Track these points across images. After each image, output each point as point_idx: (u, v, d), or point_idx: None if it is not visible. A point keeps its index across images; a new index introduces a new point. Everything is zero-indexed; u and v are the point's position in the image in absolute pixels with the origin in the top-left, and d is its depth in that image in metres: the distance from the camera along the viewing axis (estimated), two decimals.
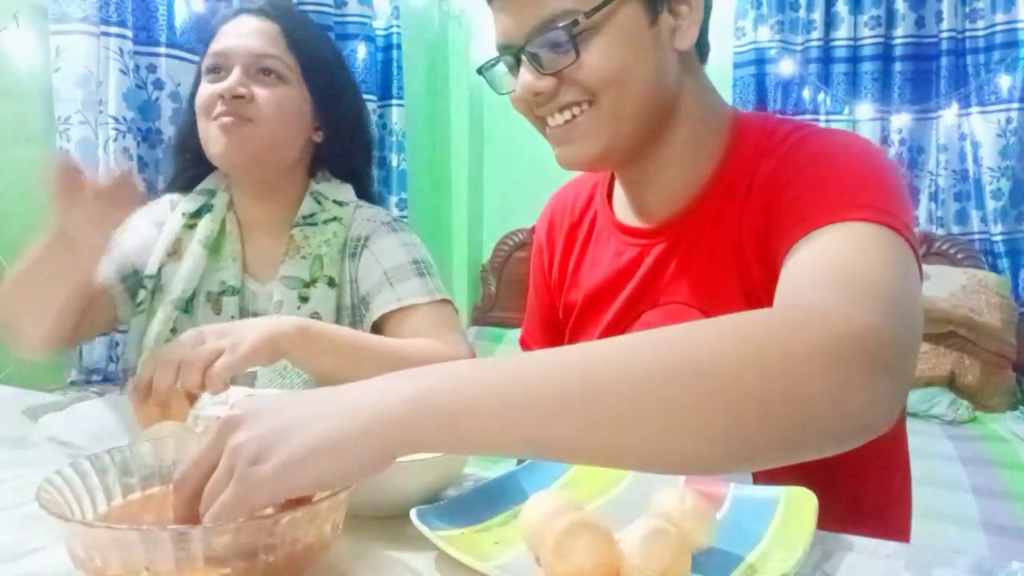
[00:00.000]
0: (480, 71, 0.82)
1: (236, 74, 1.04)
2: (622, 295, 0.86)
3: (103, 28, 2.02)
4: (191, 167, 1.17)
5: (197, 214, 1.14)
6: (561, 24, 0.72)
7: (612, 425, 0.45)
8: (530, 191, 3.41)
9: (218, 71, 1.06)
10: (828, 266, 0.58)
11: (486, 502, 0.64)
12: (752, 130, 0.80)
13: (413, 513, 0.58)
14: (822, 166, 0.71)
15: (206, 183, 1.17)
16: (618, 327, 0.87)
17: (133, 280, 1.13)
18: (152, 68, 2.16)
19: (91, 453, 0.57)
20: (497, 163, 3.49)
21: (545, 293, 1.01)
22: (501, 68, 0.81)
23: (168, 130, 2.20)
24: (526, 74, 0.75)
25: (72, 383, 2.05)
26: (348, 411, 0.47)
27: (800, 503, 0.61)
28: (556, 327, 0.99)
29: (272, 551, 0.47)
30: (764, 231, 0.74)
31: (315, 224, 1.12)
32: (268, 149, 1.08)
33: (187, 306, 1.10)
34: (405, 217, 2.87)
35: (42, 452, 0.73)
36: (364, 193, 1.20)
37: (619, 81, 0.74)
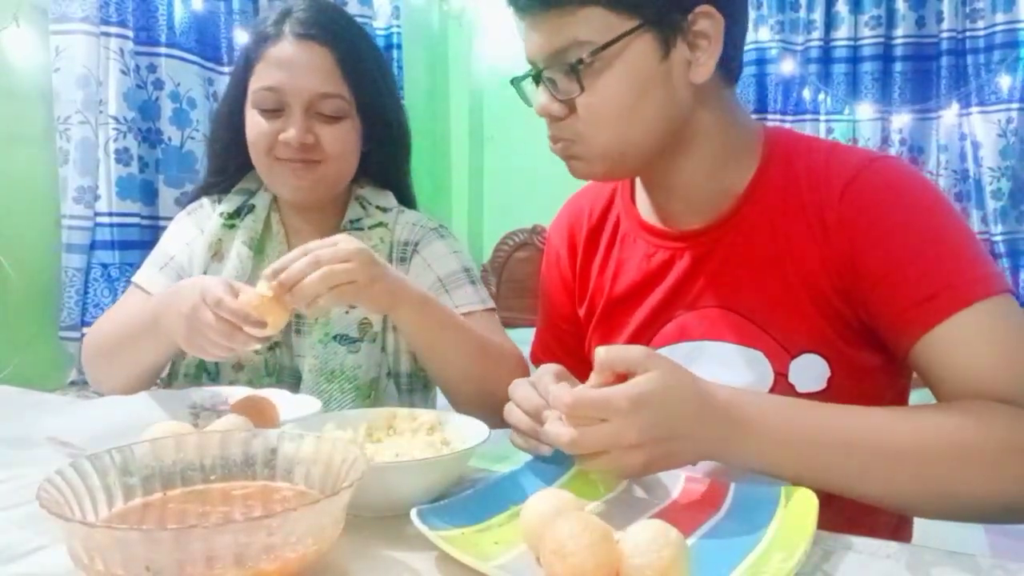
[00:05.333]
0: (513, 82, 0.84)
1: (298, 119, 1.02)
2: (652, 297, 0.87)
3: (103, 28, 2.02)
4: (228, 172, 1.16)
5: (236, 214, 1.13)
6: (572, 57, 0.73)
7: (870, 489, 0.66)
8: (530, 191, 3.41)
9: (274, 109, 1.03)
10: (1014, 358, 0.69)
11: (486, 502, 0.64)
12: (781, 146, 0.83)
13: (413, 513, 0.58)
14: (915, 230, 0.74)
15: (244, 183, 1.16)
16: (650, 329, 0.87)
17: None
18: (152, 68, 2.16)
19: (91, 453, 0.57)
20: (497, 163, 3.49)
21: (565, 302, 1.00)
22: (530, 81, 0.83)
23: (168, 130, 2.20)
24: (541, 96, 0.78)
25: (72, 383, 2.05)
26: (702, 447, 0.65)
27: (800, 503, 0.61)
28: (575, 336, 0.99)
29: (272, 551, 0.47)
30: (844, 275, 0.77)
31: (361, 229, 1.12)
32: (336, 184, 1.10)
33: None
34: None
35: (42, 452, 0.73)
36: (403, 199, 1.20)
37: (616, 120, 0.76)
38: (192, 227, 1.16)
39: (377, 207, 1.15)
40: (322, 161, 1.05)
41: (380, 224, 1.13)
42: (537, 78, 0.79)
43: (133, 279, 1.15)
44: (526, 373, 1.00)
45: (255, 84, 1.05)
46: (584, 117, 0.76)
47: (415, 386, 1.14)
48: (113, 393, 0.99)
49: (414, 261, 1.12)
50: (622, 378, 0.62)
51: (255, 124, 1.05)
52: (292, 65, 1.03)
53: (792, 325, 0.79)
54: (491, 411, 0.94)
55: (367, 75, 1.08)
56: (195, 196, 1.21)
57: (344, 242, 0.82)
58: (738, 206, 0.82)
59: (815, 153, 0.81)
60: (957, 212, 0.78)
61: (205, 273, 1.10)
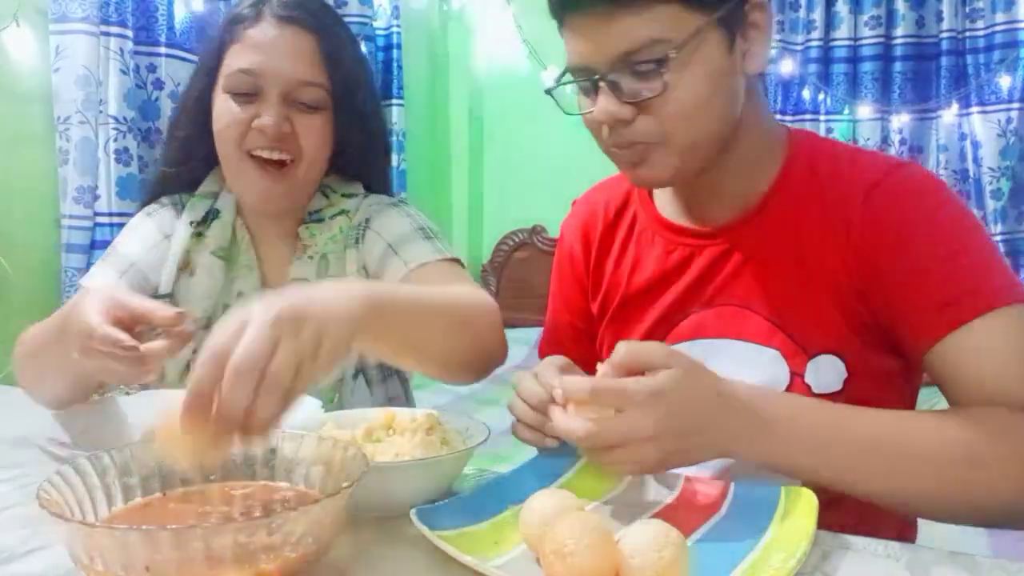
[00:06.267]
0: (549, 91, 0.81)
1: (275, 105, 0.95)
2: (669, 294, 0.87)
3: (103, 28, 2.02)
4: (189, 164, 1.08)
5: (203, 221, 1.07)
6: (651, 55, 0.72)
7: (906, 483, 0.66)
8: (530, 191, 3.41)
9: (248, 94, 0.96)
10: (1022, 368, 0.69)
11: (486, 502, 0.64)
12: (807, 146, 0.84)
13: (413, 513, 0.58)
14: (938, 239, 0.74)
15: (207, 184, 1.09)
16: (665, 324, 0.87)
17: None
18: (152, 68, 2.16)
19: (91, 453, 0.57)
20: (497, 163, 3.50)
21: (578, 298, 0.99)
22: (569, 88, 0.80)
23: None
24: (606, 101, 0.75)
25: None
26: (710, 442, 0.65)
27: (800, 503, 0.61)
28: (587, 333, 0.99)
29: (272, 551, 0.47)
30: (867, 278, 0.76)
31: (321, 220, 1.05)
32: (304, 189, 1.03)
33: (208, 322, 1.03)
34: None
35: (42, 452, 0.73)
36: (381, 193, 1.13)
37: (696, 115, 0.75)
38: (154, 230, 1.08)
39: (343, 194, 1.08)
40: (295, 161, 0.98)
41: (341, 212, 1.06)
42: (593, 84, 0.76)
43: (82, 282, 1.06)
44: (500, 319, 0.93)
45: (229, 66, 0.97)
46: (666, 115, 0.74)
47: (387, 373, 1.10)
48: (43, 401, 0.96)
49: (367, 236, 1.04)
50: (637, 375, 0.62)
51: (226, 110, 0.97)
52: (272, 48, 0.96)
53: (810, 325, 0.79)
54: (476, 369, 0.90)
55: (347, 66, 1.02)
56: (152, 192, 1.13)
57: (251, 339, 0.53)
58: (761, 205, 0.82)
59: (839, 156, 0.81)
60: (979, 221, 0.78)
61: (174, 287, 1.03)
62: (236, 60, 0.97)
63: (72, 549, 0.47)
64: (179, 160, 1.08)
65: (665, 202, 0.91)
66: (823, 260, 0.78)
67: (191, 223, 1.06)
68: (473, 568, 0.52)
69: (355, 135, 1.05)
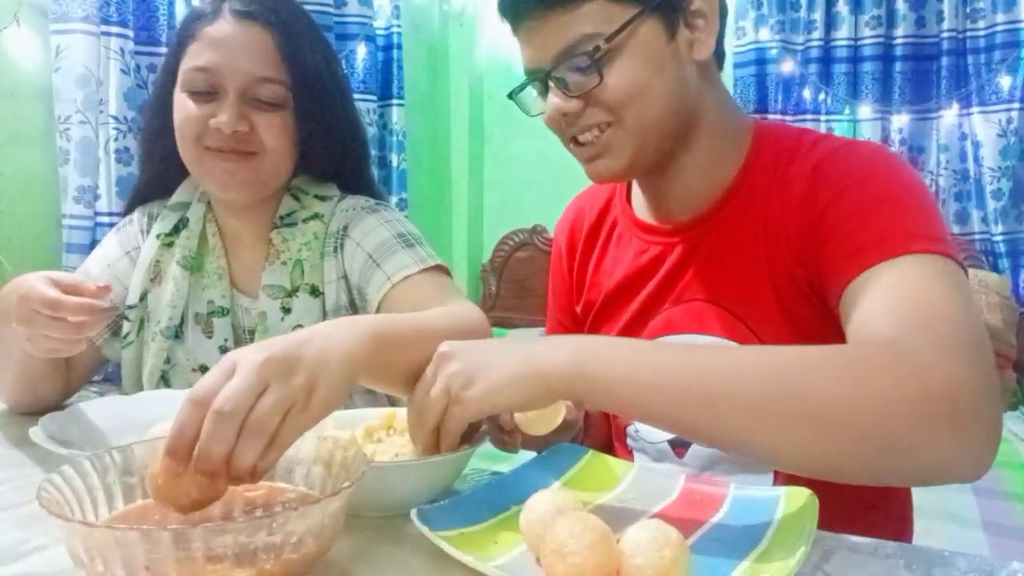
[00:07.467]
0: (510, 96, 0.86)
1: (233, 103, 0.94)
2: (643, 292, 0.88)
3: (103, 28, 2.02)
4: (154, 166, 1.08)
5: (174, 231, 1.07)
6: (584, 49, 0.75)
7: (724, 425, 0.57)
8: (530, 191, 3.42)
9: (207, 93, 0.95)
10: (911, 307, 0.62)
11: (486, 502, 0.64)
12: (772, 138, 0.83)
13: (413, 513, 0.58)
14: (867, 189, 0.73)
15: (179, 195, 1.09)
16: (638, 323, 0.88)
17: (111, 317, 1.04)
18: (152, 68, 2.16)
19: (91, 453, 0.57)
20: (497, 163, 3.50)
21: (565, 298, 1.01)
22: (530, 91, 0.85)
23: None
24: (554, 97, 0.79)
25: None
26: (528, 358, 0.62)
27: (800, 503, 0.61)
28: (577, 332, 0.99)
29: (272, 550, 0.47)
30: (804, 244, 0.76)
31: (294, 224, 1.04)
32: (271, 179, 1.01)
33: (177, 332, 1.05)
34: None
35: (42, 452, 0.73)
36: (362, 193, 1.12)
37: (640, 98, 0.77)
38: (116, 247, 1.10)
39: (315, 196, 1.06)
40: (256, 154, 0.97)
41: (315, 216, 1.04)
42: (543, 83, 0.80)
43: None
44: (488, 334, 0.90)
45: (187, 64, 0.96)
46: (609, 101, 0.77)
47: None
48: (7, 401, 0.98)
49: (346, 246, 1.03)
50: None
51: (183, 108, 0.96)
52: (229, 45, 0.95)
53: (765, 317, 0.80)
54: None
55: (309, 63, 0.99)
56: (134, 192, 1.14)
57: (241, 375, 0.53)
58: (725, 199, 0.83)
59: (802, 142, 0.81)
60: (922, 184, 0.77)
61: (145, 297, 1.05)
62: (193, 58, 0.96)
63: (72, 549, 0.47)
64: (148, 158, 1.10)
65: (640, 203, 0.92)
66: (779, 250, 0.79)
67: (158, 235, 1.06)
68: (473, 568, 0.52)
69: (321, 132, 1.02)
